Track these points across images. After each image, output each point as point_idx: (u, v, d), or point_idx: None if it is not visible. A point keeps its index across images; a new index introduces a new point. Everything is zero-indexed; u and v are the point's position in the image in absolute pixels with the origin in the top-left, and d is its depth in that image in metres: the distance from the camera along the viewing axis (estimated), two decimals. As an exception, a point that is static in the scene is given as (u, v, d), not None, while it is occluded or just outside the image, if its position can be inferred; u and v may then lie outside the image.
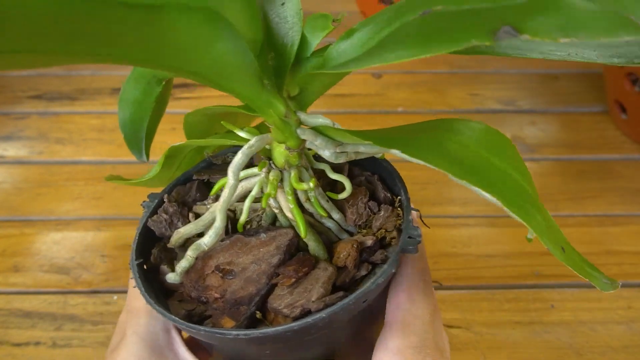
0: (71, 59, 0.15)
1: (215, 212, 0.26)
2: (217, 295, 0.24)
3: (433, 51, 0.16)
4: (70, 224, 0.63)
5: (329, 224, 0.27)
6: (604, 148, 0.71)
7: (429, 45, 0.16)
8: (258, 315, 0.24)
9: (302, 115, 0.24)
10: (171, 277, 0.25)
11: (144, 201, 0.29)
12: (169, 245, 0.27)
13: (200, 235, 0.27)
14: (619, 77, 0.68)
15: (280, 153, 0.25)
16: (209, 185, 0.30)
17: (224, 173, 0.29)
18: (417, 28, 0.18)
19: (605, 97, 0.75)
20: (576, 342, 0.52)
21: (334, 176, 0.27)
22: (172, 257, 0.28)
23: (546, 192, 0.65)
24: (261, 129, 0.28)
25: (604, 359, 0.50)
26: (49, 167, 0.69)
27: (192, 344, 0.28)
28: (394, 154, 0.20)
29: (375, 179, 0.29)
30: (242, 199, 0.27)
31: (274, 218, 0.28)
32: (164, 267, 0.27)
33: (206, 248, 0.25)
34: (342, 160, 0.25)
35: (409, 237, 0.25)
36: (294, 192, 0.26)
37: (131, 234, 0.61)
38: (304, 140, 0.24)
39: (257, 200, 0.27)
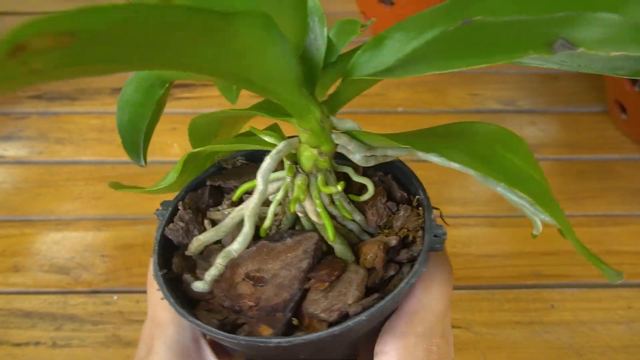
0: (151, 67, 0.15)
1: (236, 218, 0.26)
2: (251, 303, 0.24)
3: (490, 61, 0.17)
4: (70, 224, 0.63)
5: (351, 225, 0.27)
6: (604, 148, 0.71)
7: (484, 56, 0.17)
8: (295, 321, 0.24)
9: (334, 120, 0.24)
10: (200, 287, 0.25)
11: (157, 209, 0.28)
12: (187, 253, 0.27)
13: (218, 242, 0.27)
14: (618, 77, 0.68)
15: (308, 157, 0.25)
16: (220, 190, 0.30)
17: (236, 177, 0.29)
18: (460, 38, 0.18)
19: (605, 97, 0.75)
20: (576, 342, 0.52)
21: (357, 179, 0.27)
22: (191, 266, 0.27)
23: (546, 192, 0.65)
24: (273, 132, 0.28)
25: (604, 359, 0.50)
26: (49, 167, 0.69)
27: (213, 347, 0.28)
28: (426, 158, 0.21)
29: (389, 179, 0.29)
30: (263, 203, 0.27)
31: (294, 222, 0.28)
32: (187, 276, 0.26)
33: (236, 255, 0.25)
34: (371, 163, 0.25)
35: (435, 236, 0.25)
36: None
37: (131, 234, 0.61)
38: (336, 145, 0.25)
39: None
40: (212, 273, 0.25)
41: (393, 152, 0.25)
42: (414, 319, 0.25)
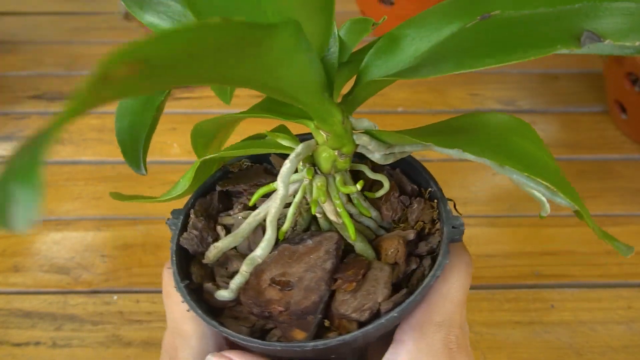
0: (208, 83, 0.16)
1: (253, 223, 0.26)
2: (280, 308, 0.24)
3: (522, 57, 0.17)
4: (70, 224, 0.63)
5: (368, 222, 0.27)
6: (604, 148, 0.71)
7: (516, 52, 0.17)
8: (327, 323, 0.24)
9: (353, 121, 0.24)
10: (225, 295, 0.25)
11: (168, 219, 0.28)
12: (204, 262, 0.27)
13: (233, 247, 0.27)
14: (619, 77, 0.68)
15: (326, 158, 0.25)
16: (228, 195, 0.30)
17: (246, 180, 0.29)
18: (485, 34, 0.18)
19: (605, 97, 0.75)
20: (576, 342, 0.52)
21: (373, 176, 0.27)
22: (209, 274, 0.27)
23: (546, 192, 0.65)
24: (287, 135, 0.27)
25: (604, 359, 0.50)
26: (49, 167, 0.69)
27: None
28: (446, 153, 0.21)
29: (398, 173, 0.29)
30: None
31: (309, 223, 0.28)
32: (209, 286, 0.26)
33: (260, 261, 0.24)
34: (390, 161, 0.25)
35: (453, 227, 0.26)
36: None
37: (131, 234, 0.61)
38: (357, 145, 0.25)
39: (286, 205, 0.26)
40: (237, 281, 0.25)
41: (411, 149, 0.25)
42: (432, 308, 0.25)
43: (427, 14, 0.22)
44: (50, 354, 0.51)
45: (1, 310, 0.55)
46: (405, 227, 0.27)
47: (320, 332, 0.24)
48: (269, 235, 0.24)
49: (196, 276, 0.26)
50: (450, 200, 0.27)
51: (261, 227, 0.27)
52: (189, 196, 0.29)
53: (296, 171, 0.25)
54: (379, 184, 0.27)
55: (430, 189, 0.28)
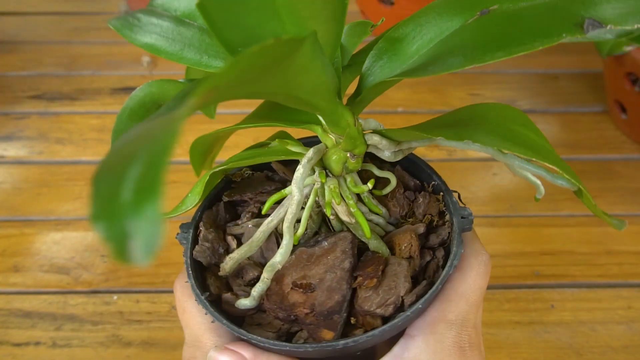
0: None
1: (267, 231, 0.26)
2: (306, 310, 0.24)
3: (529, 48, 0.17)
4: (70, 224, 0.63)
5: (377, 219, 0.28)
6: (604, 148, 0.71)
7: (523, 44, 0.17)
8: (352, 320, 0.25)
9: (362, 122, 0.25)
10: (247, 304, 0.25)
11: (177, 234, 0.28)
12: (220, 274, 0.27)
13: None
14: (618, 77, 0.68)
15: (336, 161, 0.25)
16: (233, 205, 0.30)
17: (251, 189, 0.29)
18: (489, 28, 0.19)
19: (605, 97, 0.75)
20: (576, 342, 0.52)
21: (381, 174, 0.28)
22: (224, 284, 0.27)
23: (546, 192, 0.65)
24: (293, 141, 0.27)
25: (604, 359, 0.50)
26: (49, 167, 0.69)
27: None
28: (454, 146, 0.22)
29: (399, 169, 0.30)
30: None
31: (320, 225, 0.28)
32: (228, 296, 0.26)
33: (280, 267, 0.25)
34: (399, 158, 0.26)
35: (462, 218, 0.26)
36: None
37: (131, 234, 0.61)
38: (368, 145, 0.25)
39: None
40: (258, 288, 0.25)
41: (417, 144, 0.25)
42: (447, 306, 0.25)
43: (425, 12, 0.22)
44: (50, 354, 0.51)
45: (1, 310, 0.55)
46: (414, 221, 0.28)
47: (345, 330, 0.25)
48: (287, 241, 0.25)
49: (214, 288, 0.26)
50: (455, 191, 0.28)
51: (273, 234, 0.27)
52: (194, 208, 0.29)
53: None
54: (383, 182, 0.28)
55: (433, 182, 0.28)
